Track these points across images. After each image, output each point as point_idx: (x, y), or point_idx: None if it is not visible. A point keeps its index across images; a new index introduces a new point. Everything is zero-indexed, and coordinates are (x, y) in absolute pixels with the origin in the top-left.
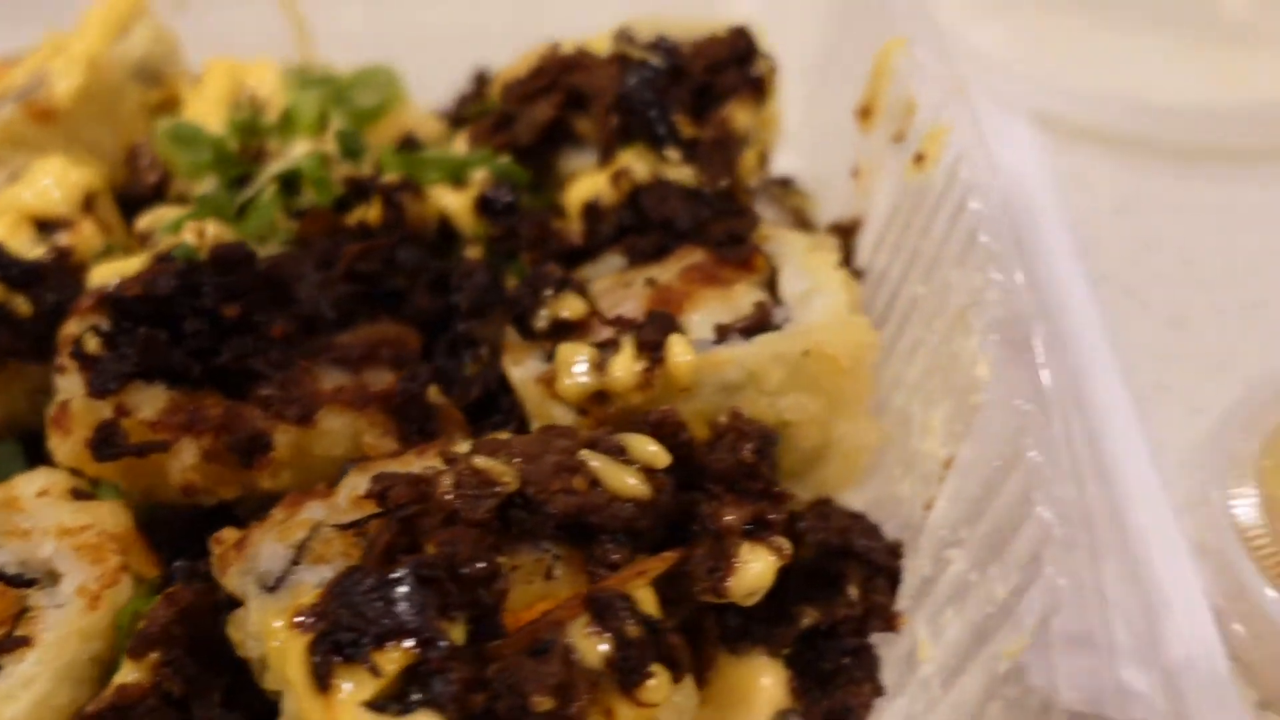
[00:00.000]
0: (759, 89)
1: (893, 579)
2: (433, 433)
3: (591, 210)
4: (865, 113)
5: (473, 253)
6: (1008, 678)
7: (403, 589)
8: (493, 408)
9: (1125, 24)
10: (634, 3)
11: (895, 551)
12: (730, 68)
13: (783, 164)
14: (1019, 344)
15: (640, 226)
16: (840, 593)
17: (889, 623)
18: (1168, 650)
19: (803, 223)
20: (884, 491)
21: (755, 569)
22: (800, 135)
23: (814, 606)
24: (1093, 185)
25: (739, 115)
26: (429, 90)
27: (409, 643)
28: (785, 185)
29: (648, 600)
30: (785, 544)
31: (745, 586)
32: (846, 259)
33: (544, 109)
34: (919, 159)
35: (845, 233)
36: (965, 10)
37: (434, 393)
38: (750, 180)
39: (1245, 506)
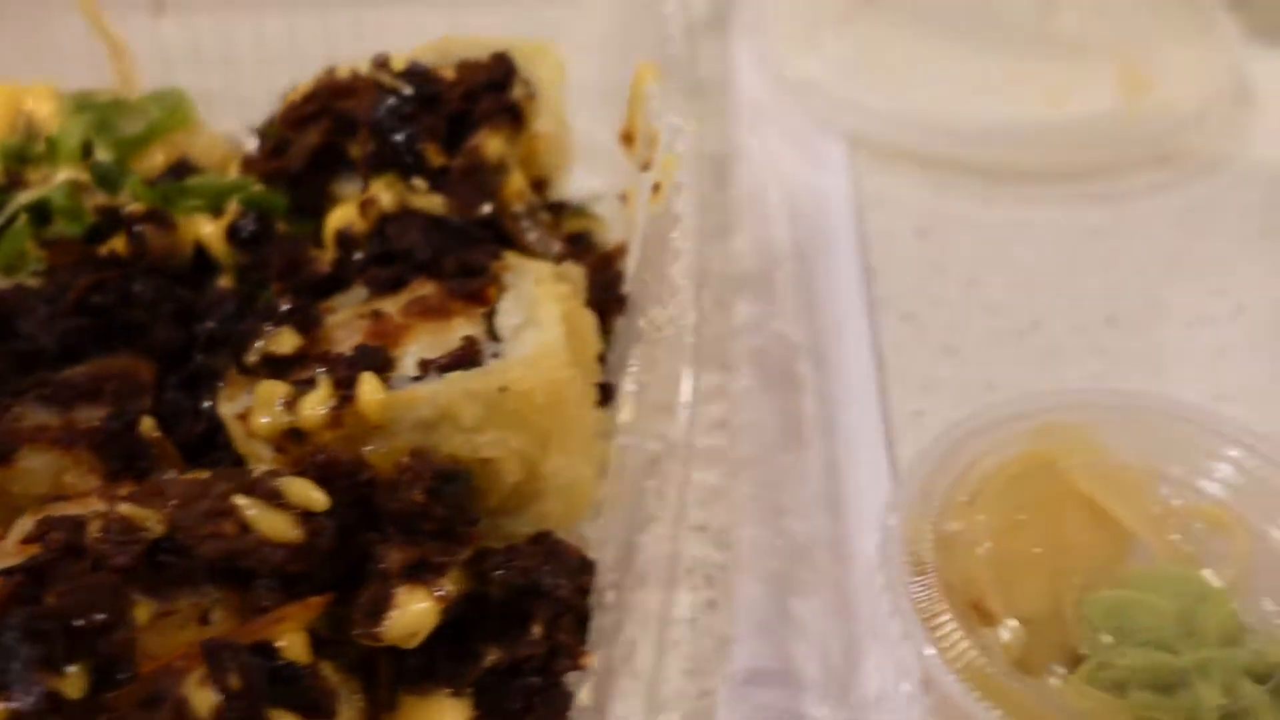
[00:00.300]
0: (515, 116)
1: (581, 618)
2: (145, 470)
3: (343, 239)
4: (627, 138)
5: (226, 282)
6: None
7: (6, 641)
8: (215, 444)
9: (959, 45)
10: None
11: (584, 590)
12: (487, 94)
13: (594, 186)
14: (668, 384)
15: (386, 257)
16: (526, 631)
17: (576, 662)
18: (862, 686)
19: (586, 248)
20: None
21: (413, 611)
22: (611, 156)
23: (498, 645)
24: (899, 206)
25: (491, 142)
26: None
27: (3, 697)
28: (560, 210)
29: (296, 645)
30: (448, 586)
31: (402, 629)
32: (614, 285)
33: (313, 135)
34: (656, 188)
35: (607, 260)
36: (794, 32)
37: (149, 428)
38: (516, 206)
39: (921, 546)
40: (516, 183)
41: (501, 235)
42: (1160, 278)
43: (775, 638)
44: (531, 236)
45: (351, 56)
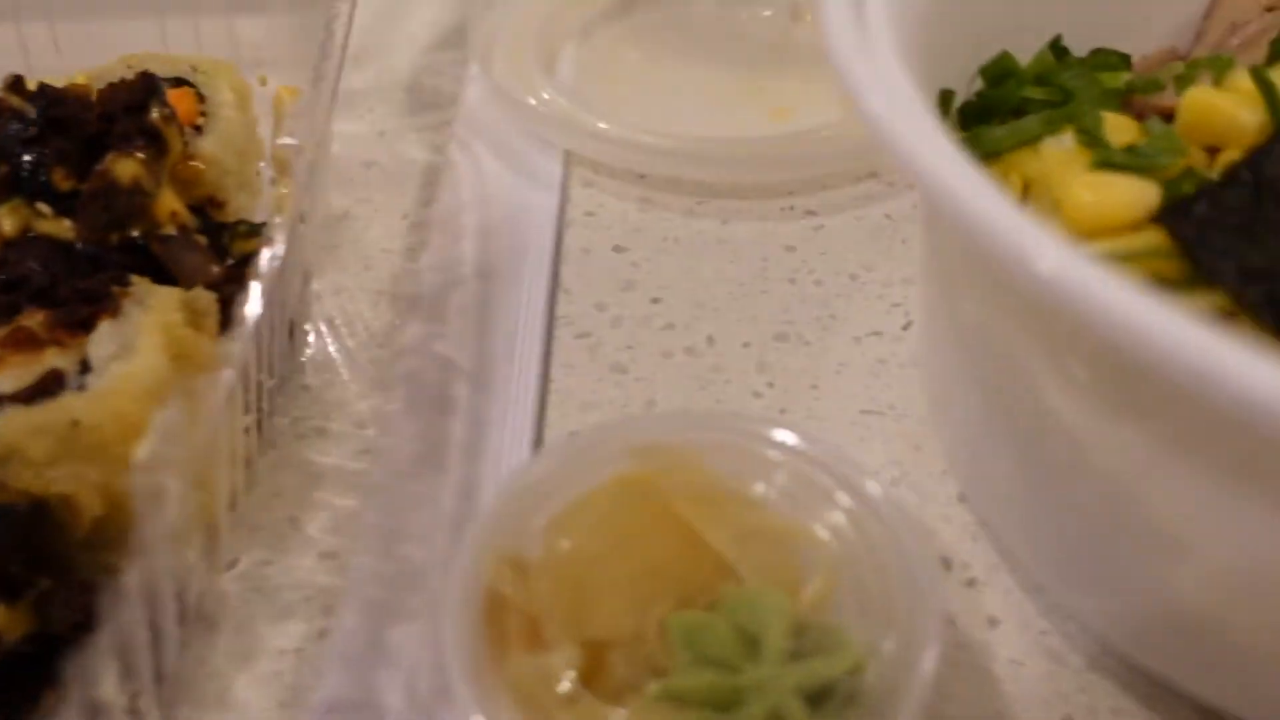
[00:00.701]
0: (155, 138)
1: (154, 652)
2: None
3: None
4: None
5: None
6: None
7: None
8: None
9: (701, 61)
10: None
11: (155, 623)
12: (125, 117)
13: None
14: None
15: (7, 284)
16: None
17: (138, 704)
18: (444, 710)
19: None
20: None
21: None
22: None
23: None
24: (604, 223)
25: (122, 165)
26: None
27: None
28: (229, 230)
29: None
30: None
31: None
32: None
33: None
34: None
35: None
36: (528, 47)
37: None
38: (167, 229)
39: (489, 573)
40: (167, 205)
41: (154, 260)
42: (843, 292)
43: (364, 667)
44: (185, 259)
45: (48, 70)
